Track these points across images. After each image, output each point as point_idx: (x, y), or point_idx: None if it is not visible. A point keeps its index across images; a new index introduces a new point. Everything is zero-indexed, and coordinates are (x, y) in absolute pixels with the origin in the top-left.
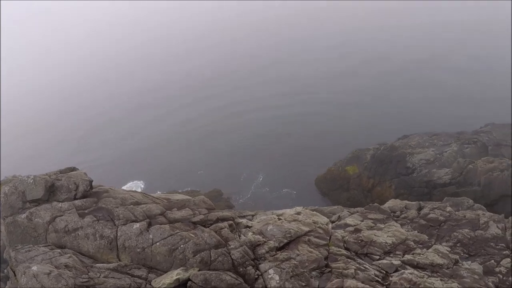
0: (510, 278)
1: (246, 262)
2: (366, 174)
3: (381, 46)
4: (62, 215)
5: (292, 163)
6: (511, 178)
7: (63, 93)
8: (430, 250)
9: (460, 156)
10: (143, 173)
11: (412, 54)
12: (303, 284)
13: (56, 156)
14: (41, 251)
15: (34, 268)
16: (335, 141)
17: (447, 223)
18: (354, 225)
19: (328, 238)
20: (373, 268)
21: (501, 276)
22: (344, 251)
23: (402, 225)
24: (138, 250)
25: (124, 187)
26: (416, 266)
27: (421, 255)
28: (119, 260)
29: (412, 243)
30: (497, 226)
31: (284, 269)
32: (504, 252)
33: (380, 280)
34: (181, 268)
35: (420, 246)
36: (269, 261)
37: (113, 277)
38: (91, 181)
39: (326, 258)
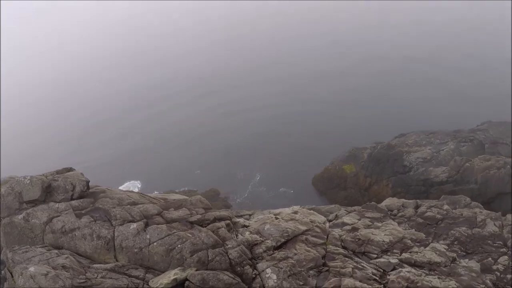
0: (507, 276)
1: (244, 262)
2: (363, 173)
3: (378, 45)
4: (59, 216)
5: (289, 162)
6: (511, 176)
7: (60, 93)
8: (427, 248)
9: (457, 154)
10: (140, 173)
11: (409, 53)
12: (301, 283)
13: (52, 156)
14: (38, 252)
15: (31, 269)
16: (332, 140)
17: (444, 221)
18: (352, 224)
19: (326, 237)
20: (370, 267)
21: (498, 274)
22: (341, 250)
23: (399, 223)
24: (136, 250)
25: (121, 187)
26: (414, 265)
27: (419, 254)
28: (117, 261)
29: (409, 241)
30: (494, 224)
31: (281, 268)
32: (502, 250)
33: (377, 278)
34: (179, 268)
35: (418, 244)
36: (266, 261)
37: (111, 278)
38: (87, 182)
39: (323, 257)
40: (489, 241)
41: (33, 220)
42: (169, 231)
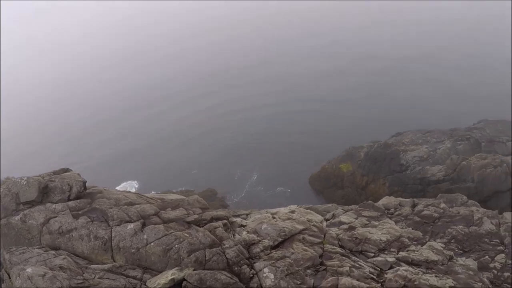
0: (504, 274)
1: (241, 261)
2: (360, 172)
3: (374, 44)
4: (56, 217)
5: (286, 161)
6: (510, 174)
7: (59, 93)
8: (424, 246)
9: (454, 152)
10: (137, 173)
11: (405, 51)
12: (298, 282)
13: (50, 156)
14: (36, 253)
15: (29, 270)
16: (328, 139)
17: (441, 219)
18: (349, 223)
19: (323, 236)
20: (368, 266)
21: (495, 272)
22: (338, 249)
23: (396, 222)
24: (133, 250)
25: (118, 188)
26: (411, 263)
27: (416, 252)
28: (114, 261)
29: (406, 240)
30: (491, 222)
31: (279, 267)
32: (499, 248)
33: (375, 277)
34: (176, 268)
35: (415, 243)
36: (264, 260)
37: (108, 278)
38: (84, 182)
39: (320, 256)
40: (486, 239)
41: (30, 221)
42: (166, 231)
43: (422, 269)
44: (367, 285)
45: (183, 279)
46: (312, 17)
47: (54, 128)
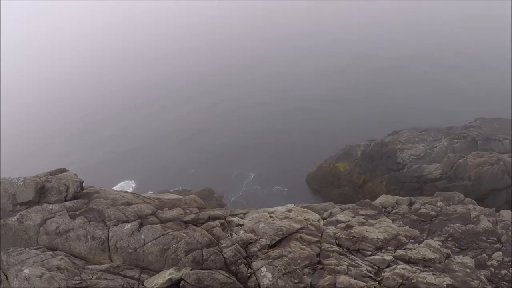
0: (502, 271)
1: (239, 261)
2: (357, 170)
3: (371, 43)
4: (53, 217)
5: (283, 160)
6: (508, 172)
7: (58, 93)
8: (421, 245)
9: (450, 151)
10: (134, 173)
11: (401, 51)
12: (296, 281)
13: (48, 156)
14: (33, 254)
15: (26, 271)
16: (325, 138)
17: (438, 217)
18: (346, 222)
19: (320, 235)
20: (365, 264)
21: (493, 270)
22: (336, 248)
23: (393, 220)
24: (130, 250)
25: (115, 187)
26: (408, 261)
27: (413, 250)
28: (111, 261)
29: (403, 238)
30: (488, 220)
31: (276, 266)
32: (496, 246)
33: (372, 275)
34: (174, 267)
35: (412, 241)
36: (261, 259)
37: (106, 278)
38: (81, 182)
39: (318, 255)
40: (483, 237)
41: (27, 222)
42: (164, 231)
43: (419, 267)
44: (365, 284)
45: (181, 279)
46: (310, 16)
47: (52, 128)
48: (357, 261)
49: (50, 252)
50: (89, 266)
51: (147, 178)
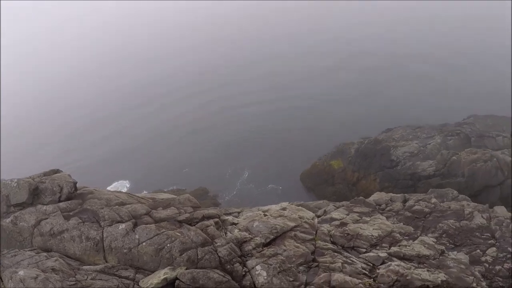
0: (496, 267)
1: (233, 259)
2: (350, 168)
3: (365, 41)
4: (47, 218)
5: (277, 158)
6: (501, 168)
7: (57, 93)
8: (416, 241)
9: (444, 148)
10: (128, 173)
11: (395, 49)
12: (291, 279)
13: (41, 157)
14: (27, 255)
15: (21, 272)
16: (319, 136)
17: (432, 214)
18: (340, 219)
19: (314, 232)
20: (360, 261)
21: (487, 265)
22: (330, 245)
23: (387, 217)
24: (125, 250)
25: (109, 188)
26: (403, 258)
27: (407, 247)
28: (106, 262)
29: (398, 235)
30: (482, 216)
31: (271, 265)
32: (490, 242)
33: (367, 272)
34: (168, 267)
35: (406, 238)
36: (256, 258)
37: (101, 279)
38: (75, 183)
39: (313, 252)
40: (477, 233)
41: (21, 223)
42: (158, 231)
43: (414, 264)
44: (360, 281)
45: (176, 278)
46: (307, 15)
47: (52, 128)
48: (351, 259)
49: (45, 254)
50: (84, 267)
51: (142, 178)
